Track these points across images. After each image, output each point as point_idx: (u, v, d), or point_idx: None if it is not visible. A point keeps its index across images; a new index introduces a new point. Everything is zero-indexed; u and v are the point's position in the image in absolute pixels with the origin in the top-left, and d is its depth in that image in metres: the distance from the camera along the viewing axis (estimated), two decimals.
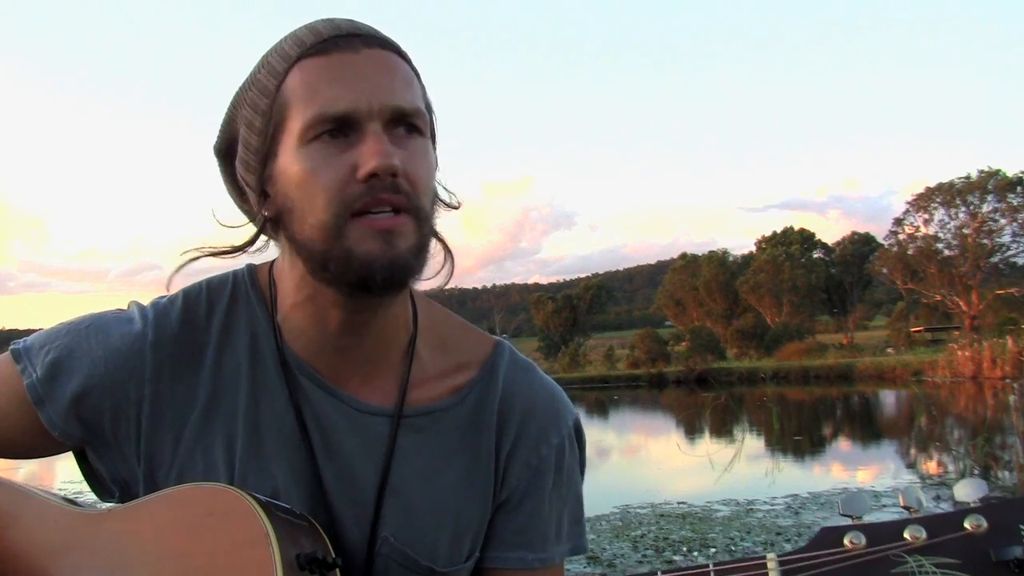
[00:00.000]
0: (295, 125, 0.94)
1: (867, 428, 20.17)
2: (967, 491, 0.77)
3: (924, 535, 0.76)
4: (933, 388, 29.35)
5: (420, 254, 0.96)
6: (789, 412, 24.68)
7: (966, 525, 0.76)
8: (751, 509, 9.07)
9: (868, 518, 0.79)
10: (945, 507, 0.78)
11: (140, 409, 1.01)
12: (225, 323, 1.06)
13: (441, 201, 1.04)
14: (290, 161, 0.95)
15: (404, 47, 1.01)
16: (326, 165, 0.93)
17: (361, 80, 0.94)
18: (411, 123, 0.96)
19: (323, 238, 0.94)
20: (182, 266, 1.06)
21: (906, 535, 0.77)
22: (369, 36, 0.98)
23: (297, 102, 0.94)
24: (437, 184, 1.02)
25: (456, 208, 1.07)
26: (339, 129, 0.93)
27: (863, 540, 0.77)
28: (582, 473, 1.16)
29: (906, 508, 0.78)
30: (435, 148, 1.03)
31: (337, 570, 0.93)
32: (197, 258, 1.06)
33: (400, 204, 0.94)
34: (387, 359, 1.06)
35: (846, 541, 0.78)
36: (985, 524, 0.76)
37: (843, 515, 0.79)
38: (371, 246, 0.93)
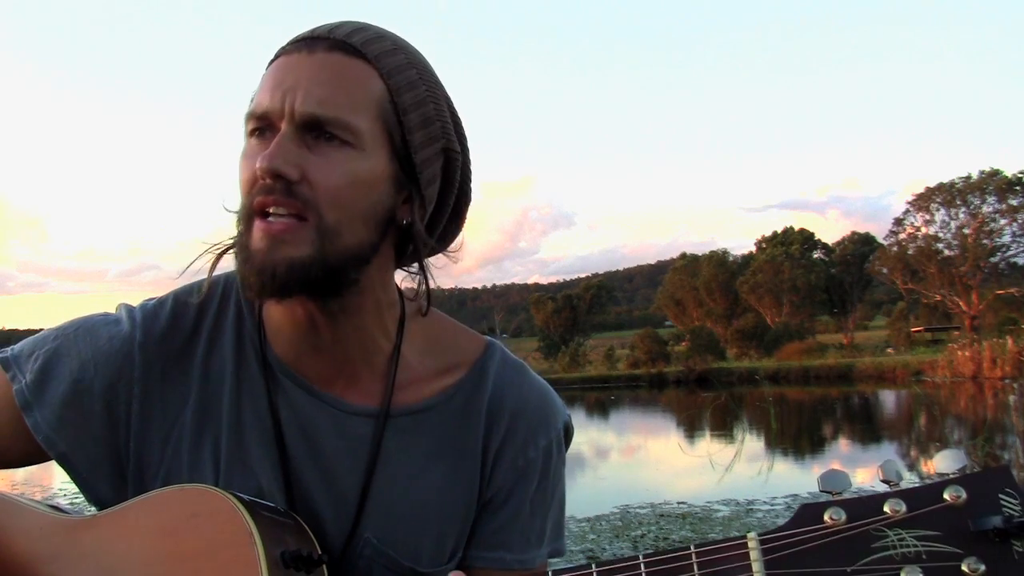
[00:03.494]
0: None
1: (867, 428, 20.19)
2: (946, 462, 0.77)
3: (904, 508, 0.76)
4: (933, 388, 29.37)
5: (312, 267, 0.91)
6: (789, 412, 24.70)
7: (945, 496, 0.76)
8: (751, 509, 9.07)
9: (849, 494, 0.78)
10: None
11: (130, 409, 1.01)
12: (214, 324, 1.06)
13: (425, 241, 1.00)
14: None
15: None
16: (245, 163, 0.94)
17: (284, 83, 0.93)
18: (328, 131, 0.92)
19: (239, 234, 0.95)
20: (189, 265, 1.03)
21: (886, 509, 0.76)
22: (327, 39, 0.95)
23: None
24: (372, 201, 0.94)
25: (452, 254, 1.08)
26: (260, 129, 0.94)
27: (843, 516, 0.77)
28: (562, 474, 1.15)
29: (886, 482, 0.78)
30: (403, 162, 0.96)
31: (324, 567, 0.93)
32: (213, 253, 1.02)
33: (294, 210, 0.90)
34: (371, 362, 1.05)
35: (826, 517, 0.77)
36: (964, 495, 0.76)
37: (823, 491, 0.79)
38: (259, 246, 0.91)
